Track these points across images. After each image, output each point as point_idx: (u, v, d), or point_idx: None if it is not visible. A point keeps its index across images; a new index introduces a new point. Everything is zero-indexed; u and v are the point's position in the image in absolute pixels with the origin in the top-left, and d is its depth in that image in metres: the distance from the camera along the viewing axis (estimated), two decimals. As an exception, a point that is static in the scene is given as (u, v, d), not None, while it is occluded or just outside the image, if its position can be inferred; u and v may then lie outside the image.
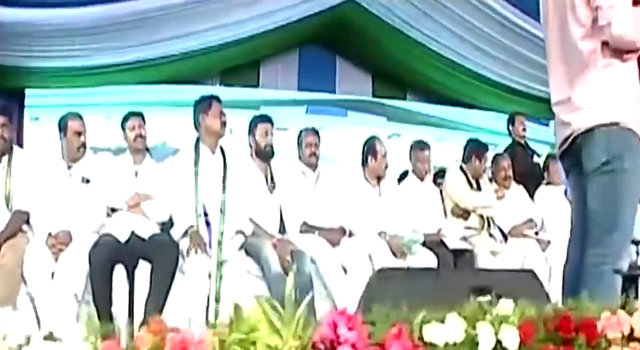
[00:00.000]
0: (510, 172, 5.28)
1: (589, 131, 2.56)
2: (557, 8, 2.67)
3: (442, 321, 1.66)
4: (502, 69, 6.92)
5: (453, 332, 1.66)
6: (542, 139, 7.00)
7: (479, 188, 5.12)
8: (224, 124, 4.28)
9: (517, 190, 5.30)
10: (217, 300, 3.80)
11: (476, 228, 4.99)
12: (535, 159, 5.90)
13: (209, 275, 3.88)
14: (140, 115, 4.44)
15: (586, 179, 2.63)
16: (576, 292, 2.64)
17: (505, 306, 1.91)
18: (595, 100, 2.55)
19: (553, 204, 5.21)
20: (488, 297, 2.02)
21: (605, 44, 2.52)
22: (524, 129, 5.98)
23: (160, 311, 3.64)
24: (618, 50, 2.52)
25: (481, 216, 5.01)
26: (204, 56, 6.46)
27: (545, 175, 5.53)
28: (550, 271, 4.66)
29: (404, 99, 8.03)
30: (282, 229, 4.42)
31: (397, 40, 6.91)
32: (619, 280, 2.63)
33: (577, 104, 2.58)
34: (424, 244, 4.55)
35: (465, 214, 5.02)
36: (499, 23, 6.59)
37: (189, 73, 6.64)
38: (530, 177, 5.55)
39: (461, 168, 5.20)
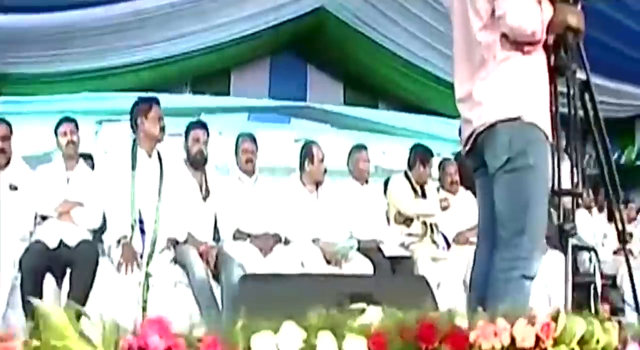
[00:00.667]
0: (457, 178, 5.10)
1: (490, 128, 2.42)
2: (460, 0, 2.55)
3: (276, 331, 1.53)
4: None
5: (288, 342, 1.53)
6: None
7: (423, 195, 4.93)
8: (162, 128, 4.16)
9: (464, 196, 5.09)
10: (144, 310, 3.76)
11: (418, 235, 4.81)
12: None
13: (139, 284, 3.81)
14: (73, 121, 4.38)
15: (491, 179, 2.50)
16: (483, 299, 2.51)
17: (372, 314, 1.79)
18: (494, 95, 2.42)
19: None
20: (361, 305, 1.89)
21: (504, 36, 2.40)
22: (475, 134, 5.82)
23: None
24: (518, 43, 2.39)
25: (424, 223, 4.82)
26: (173, 64, 6.40)
27: (497, 180, 5.36)
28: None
29: (376, 107, 7.96)
30: (217, 237, 4.31)
31: (367, 48, 6.85)
32: (529, 285, 2.49)
33: (477, 99, 2.45)
34: (360, 251, 4.40)
35: (408, 221, 4.82)
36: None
37: (159, 81, 6.55)
38: (481, 183, 5.37)
39: (405, 174, 5.02)
